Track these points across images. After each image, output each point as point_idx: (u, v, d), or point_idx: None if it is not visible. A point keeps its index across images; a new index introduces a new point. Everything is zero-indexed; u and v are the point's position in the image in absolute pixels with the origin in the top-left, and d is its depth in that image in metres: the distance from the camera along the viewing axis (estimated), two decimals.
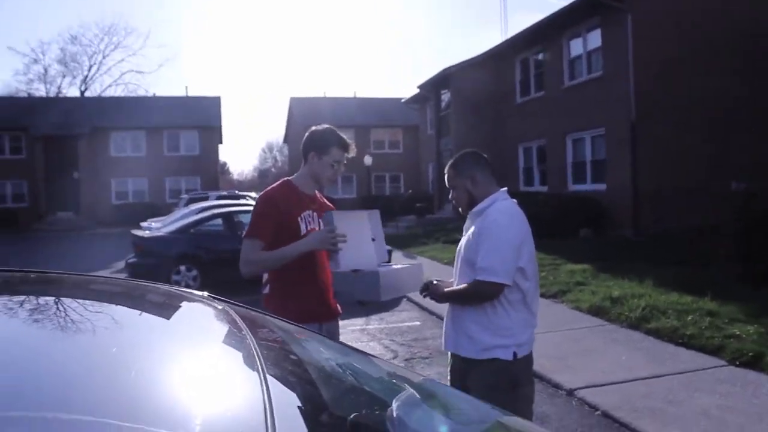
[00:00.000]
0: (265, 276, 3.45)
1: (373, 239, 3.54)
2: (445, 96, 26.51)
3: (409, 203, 30.24)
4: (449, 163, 3.33)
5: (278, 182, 3.55)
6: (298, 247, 3.28)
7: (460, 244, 3.30)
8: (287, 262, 3.29)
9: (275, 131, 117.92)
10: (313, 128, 3.52)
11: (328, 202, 3.65)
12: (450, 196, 3.33)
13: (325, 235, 3.25)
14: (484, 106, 23.48)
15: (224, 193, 26.58)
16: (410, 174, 40.38)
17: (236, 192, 27.95)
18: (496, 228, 3.06)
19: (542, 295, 8.76)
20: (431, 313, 8.94)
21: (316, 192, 3.57)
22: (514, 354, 3.15)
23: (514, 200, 3.27)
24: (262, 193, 3.49)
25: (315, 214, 3.47)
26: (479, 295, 3.11)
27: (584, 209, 16.32)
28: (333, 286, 3.46)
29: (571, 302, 8.83)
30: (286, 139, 55.04)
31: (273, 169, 77.19)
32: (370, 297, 3.28)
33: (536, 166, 21.02)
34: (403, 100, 34.36)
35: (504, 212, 3.13)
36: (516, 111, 22.05)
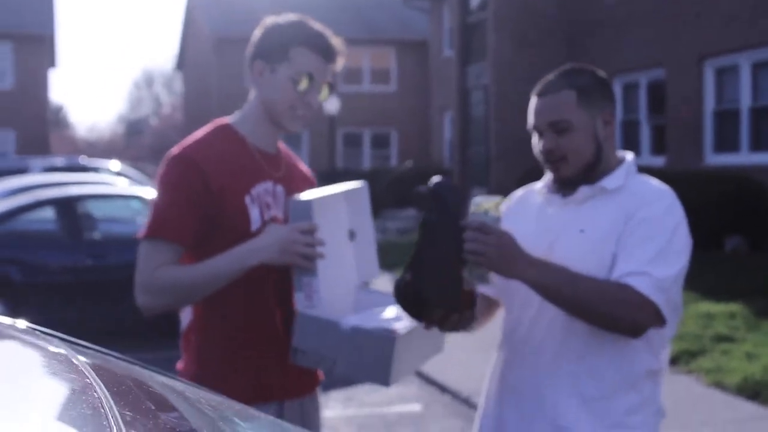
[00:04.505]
0: (187, 314, 2.36)
1: (353, 235, 2.48)
2: None
3: (405, 186, 20.17)
4: (561, 72, 2.20)
5: (207, 127, 2.37)
6: (240, 257, 2.20)
7: (542, 242, 2.15)
8: (221, 286, 2.21)
9: (158, 51, 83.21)
10: (266, 22, 2.36)
11: (304, 168, 2.55)
12: (540, 145, 2.18)
13: (293, 235, 2.19)
14: (550, 6, 17.41)
15: (59, 161, 18.76)
16: (410, 131, 28.62)
17: (82, 161, 20.18)
18: (675, 224, 2.11)
19: None
20: (443, 388, 6.65)
21: (280, 145, 2.43)
22: None
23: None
24: (172, 151, 2.30)
25: (279, 188, 2.35)
26: (619, 309, 2.03)
27: (734, 200, 12.51)
28: (292, 338, 2.28)
29: (706, 373, 6.84)
30: (180, 64, 37.82)
31: (153, 120, 51.56)
32: (368, 377, 2.29)
33: (645, 119, 15.88)
34: None
35: (675, 201, 2.17)
36: (608, 16, 16.51)
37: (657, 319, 2.06)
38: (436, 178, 2.02)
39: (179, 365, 2.39)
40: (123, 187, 11.89)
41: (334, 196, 2.41)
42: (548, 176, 2.26)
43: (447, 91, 21.23)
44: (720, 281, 10.24)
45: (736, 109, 13.68)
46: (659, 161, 14.96)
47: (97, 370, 1.32)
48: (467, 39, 20.00)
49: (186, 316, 2.40)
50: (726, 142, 14.08)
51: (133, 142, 48.67)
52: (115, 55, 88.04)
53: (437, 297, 1.96)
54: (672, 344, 8.09)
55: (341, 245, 2.46)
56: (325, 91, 2.35)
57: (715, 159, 14.07)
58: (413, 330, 2.28)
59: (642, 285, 2.03)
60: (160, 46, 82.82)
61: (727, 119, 14.04)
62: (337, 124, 25.16)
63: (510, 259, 1.99)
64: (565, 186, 2.19)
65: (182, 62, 37.67)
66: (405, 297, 1.99)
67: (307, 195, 2.31)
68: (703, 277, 10.23)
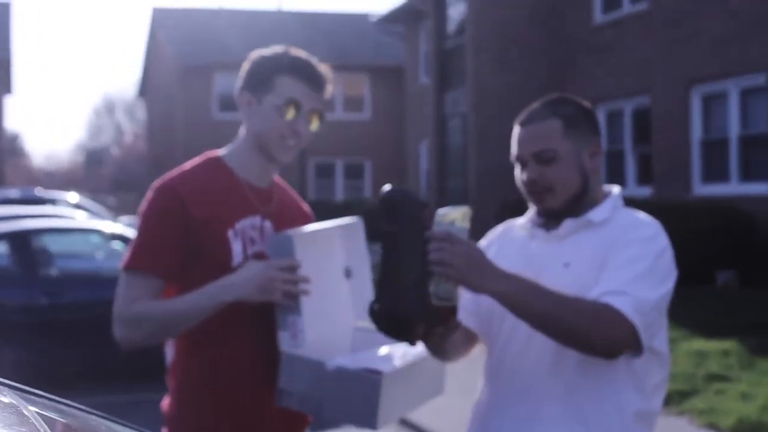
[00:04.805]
0: (171, 349, 2.38)
1: (349, 273, 2.51)
2: (456, 10, 19.43)
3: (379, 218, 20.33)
4: (546, 102, 2.22)
5: (196, 159, 2.43)
6: (215, 292, 2.23)
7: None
8: (197, 321, 2.23)
9: (119, 76, 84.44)
10: (252, 54, 2.46)
11: (304, 204, 2.59)
12: (523, 176, 2.19)
13: (269, 272, 2.21)
14: (532, 30, 17.63)
15: (14, 193, 19.10)
16: (384, 161, 28.14)
17: (38, 192, 20.66)
18: (659, 250, 2.12)
19: None
20: (420, 430, 6.65)
21: (277, 180, 2.49)
22: None
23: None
24: (156, 182, 2.39)
25: (267, 223, 2.38)
26: (594, 326, 1.98)
27: (724, 232, 12.60)
28: (278, 379, 2.30)
29: (699, 414, 6.83)
30: (142, 91, 37.56)
31: (114, 150, 51.03)
32: (354, 419, 2.25)
33: (630, 148, 15.99)
34: (373, 19, 25.19)
35: (661, 230, 2.18)
36: (592, 40, 16.70)
37: (633, 340, 2.03)
38: (386, 187, 2.02)
39: (163, 403, 2.42)
40: (82, 221, 11.94)
41: (324, 232, 2.44)
42: (531, 211, 2.27)
43: (423, 118, 21.65)
44: (712, 317, 10.16)
45: (725, 137, 13.77)
46: (645, 192, 15.12)
47: (49, 421, 1.37)
48: (444, 65, 20.48)
49: (170, 351, 2.44)
50: (714, 171, 14.07)
51: (93, 173, 48.75)
52: (74, 81, 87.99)
53: (412, 313, 1.92)
54: None
55: (334, 283, 2.47)
56: (315, 120, 2.40)
57: (703, 189, 14.09)
58: (406, 370, 2.29)
59: (620, 304, 2.02)
60: (121, 72, 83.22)
61: (715, 148, 14.07)
62: (308, 154, 25.56)
63: (479, 270, 1.95)
64: (549, 219, 2.20)
65: (145, 89, 37.68)
66: (381, 321, 1.94)
67: (290, 230, 2.32)
68: (695, 312, 10.27)
